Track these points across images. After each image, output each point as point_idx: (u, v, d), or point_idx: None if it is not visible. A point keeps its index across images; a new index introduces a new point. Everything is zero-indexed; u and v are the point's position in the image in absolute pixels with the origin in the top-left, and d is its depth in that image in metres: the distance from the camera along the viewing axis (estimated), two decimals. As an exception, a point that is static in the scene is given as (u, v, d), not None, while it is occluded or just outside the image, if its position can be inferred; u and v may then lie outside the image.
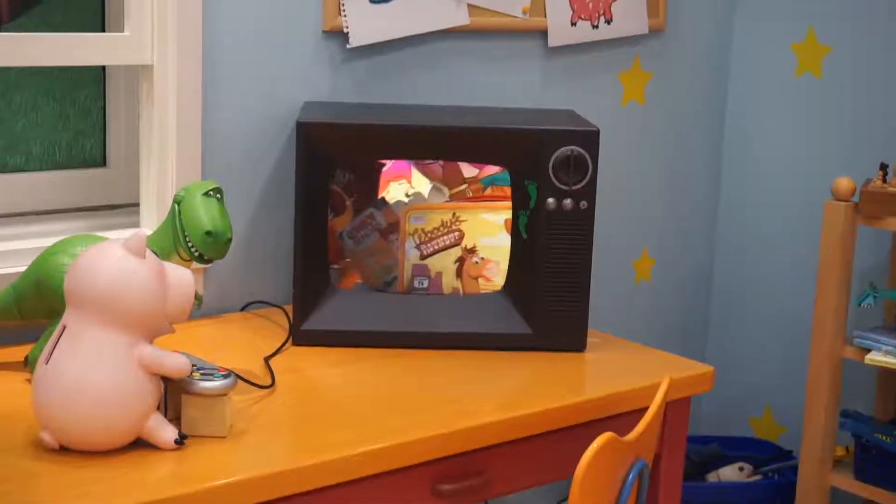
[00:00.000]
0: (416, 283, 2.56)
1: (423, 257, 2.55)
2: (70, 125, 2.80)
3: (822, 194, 3.16)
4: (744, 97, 3.58)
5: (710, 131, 3.61)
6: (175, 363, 1.88)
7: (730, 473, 3.43)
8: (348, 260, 2.55)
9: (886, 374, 3.21)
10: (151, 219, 2.64)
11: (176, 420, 1.98)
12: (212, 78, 2.64)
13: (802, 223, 3.45)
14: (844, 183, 3.00)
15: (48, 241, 2.28)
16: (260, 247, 2.78)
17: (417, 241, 2.56)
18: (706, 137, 3.61)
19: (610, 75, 3.33)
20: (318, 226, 2.48)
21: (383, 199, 2.55)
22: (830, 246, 3.02)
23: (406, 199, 2.54)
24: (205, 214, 2.17)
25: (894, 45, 3.24)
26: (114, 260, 1.86)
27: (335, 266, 2.53)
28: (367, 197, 2.55)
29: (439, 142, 2.49)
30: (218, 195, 2.21)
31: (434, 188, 2.55)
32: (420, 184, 2.55)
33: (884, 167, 3.00)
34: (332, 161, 2.48)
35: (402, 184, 2.54)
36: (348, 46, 2.80)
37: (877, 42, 3.27)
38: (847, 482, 3.12)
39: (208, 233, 2.16)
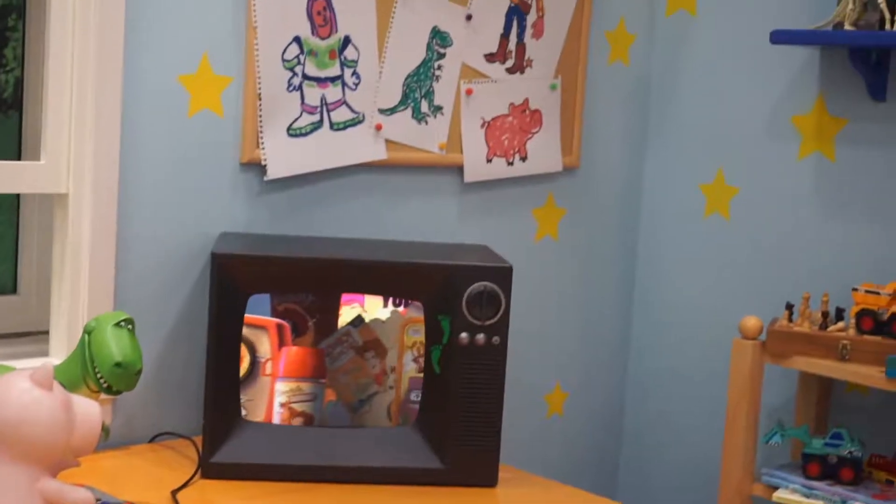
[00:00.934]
0: (412, 396, 2.55)
1: (420, 370, 2.56)
2: (-19, 251, 2.78)
3: (730, 332, 3.22)
4: (655, 235, 3.66)
5: (621, 268, 3.67)
6: (78, 498, 1.85)
7: None
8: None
9: (794, 511, 3.23)
10: (62, 348, 2.61)
11: (77, 556, 1.93)
12: (127, 208, 2.64)
13: (711, 361, 3.50)
14: (751, 322, 3.06)
15: (-47, 370, 2.24)
16: (170, 378, 2.75)
17: (416, 354, 2.56)
18: (618, 274, 3.67)
19: (524, 211, 3.39)
20: (229, 357, 2.47)
21: (360, 317, 2.55)
22: (738, 384, 3.07)
23: (384, 319, 2.55)
24: (115, 345, 2.16)
25: (800, 188, 3.34)
26: (19, 392, 1.83)
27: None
28: (329, 317, 2.55)
29: (353, 276, 2.51)
30: (129, 326, 2.20)
31: (393, 312, 2.56)
32: (373, 307, 2.56)
33: (789, 307, 3.07)
34: (246, 293, 2.49)
35: (355, 307, 2.56)
36: (266, 179, 2.83)
37: (783, 184, 3.37)
38: None
39: (118, 364, 2.15)
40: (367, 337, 2.56)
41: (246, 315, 2.48)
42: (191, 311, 2.76)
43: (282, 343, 2.54)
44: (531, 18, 3.28)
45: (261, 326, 2.54)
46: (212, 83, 2.74)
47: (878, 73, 3.13)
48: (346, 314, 2.56)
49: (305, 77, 2.87)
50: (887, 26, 2.95)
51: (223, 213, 2.80)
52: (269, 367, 2.52)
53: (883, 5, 2.93)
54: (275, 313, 2.54)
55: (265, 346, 2.53)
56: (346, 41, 2.94)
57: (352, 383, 2.56)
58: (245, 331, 2.48)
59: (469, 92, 3.19)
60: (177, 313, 2.75)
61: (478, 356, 2.51)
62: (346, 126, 2.96)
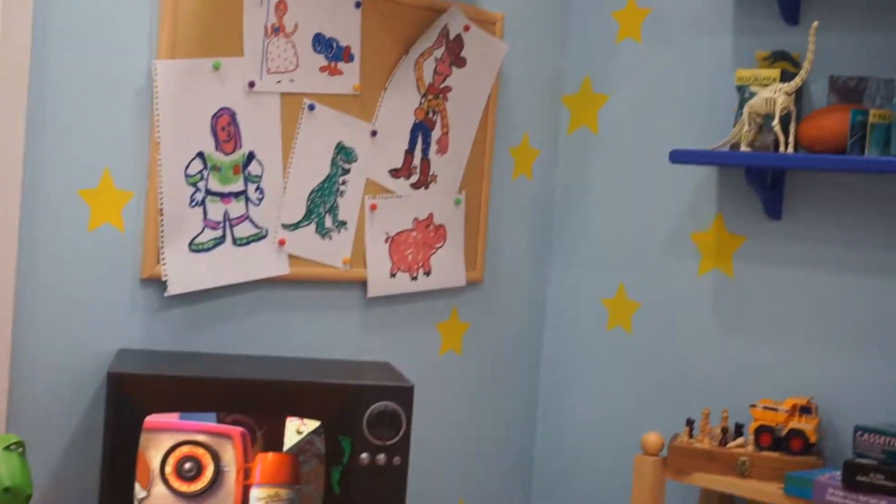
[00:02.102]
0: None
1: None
2: None
3: (632, 448, 3.23)
4: (558, 349, 3.68)
5: (525, 382, 3.68)
6: None
7: None
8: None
9: None
10: (-51, 469, 2.53)
11: None
12: (23, 325, 2.59)
13: (615, 476, 3.51)
14: (652, 438, 3.08)
15: None
16: (66, 499, 2.68)
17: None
18: (522, 388, 3.67)
19: (428, 326, 3.39)
20: (125, 476, 2.41)
21: (321, 426, 2.52)
22: (640, 499, 3.07)
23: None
24: (4, 470, 2.10)
25: (700, 303, 3.38)
26: None
27: None
28: (278, 425, 2.53)
29: (254, 396, 2.48)
30: (20, 449, 2.15)
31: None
32: (312, 423, 2.54)
33: (690, 423, 3.10)
34: (143, 411, 2.44)
35: (294, 420, 2.53)
36: (166, 294, 2.80)
37: (684, 300, 3.42)
38: None
39: (7, 489, 2.09)
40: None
41: (207, 424, 2.46)
42: (87, 431, 2.70)
43: (246, 451, 2.51)
44: (436, 134, 3.32)
45: (224, 435, 2.51)
46: (113, 198, 2.72)
47: (774, 192, 3.21)
48: (292, 423, 2.54)
49: (208, 192, 2.86)
50: (782, 148, 3.02)
51: (122, 330, 2.76)
52: (233, 476, 2.49)
53: (777, 128, 3.01)
54: (223, 423, 2.51)
55: (229, 454, 2.49)
56: (251, 156, 2.94)
57: (315, 492, 2.53)
58: (206, 439, 2.45)
59: (373, 207, 3.20)
60: (72, 433, 2.69)
61: (379, 477, 2.49)
62: (248, 241, 2.95)
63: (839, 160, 2.91)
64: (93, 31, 2.65)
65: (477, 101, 3.41)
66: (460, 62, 3.34)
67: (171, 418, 2.51)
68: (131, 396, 2.41)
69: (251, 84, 2.91)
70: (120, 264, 2.75)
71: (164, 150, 2.77)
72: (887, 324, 3.04)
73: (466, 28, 3.33)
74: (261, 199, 2.97)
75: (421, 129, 3.29)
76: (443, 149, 3.34)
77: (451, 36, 3.31)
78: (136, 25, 2.72)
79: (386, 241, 3.24)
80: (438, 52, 3.28)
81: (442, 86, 3.31)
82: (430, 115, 3.30)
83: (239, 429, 2.50)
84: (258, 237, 2.97)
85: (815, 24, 2.96)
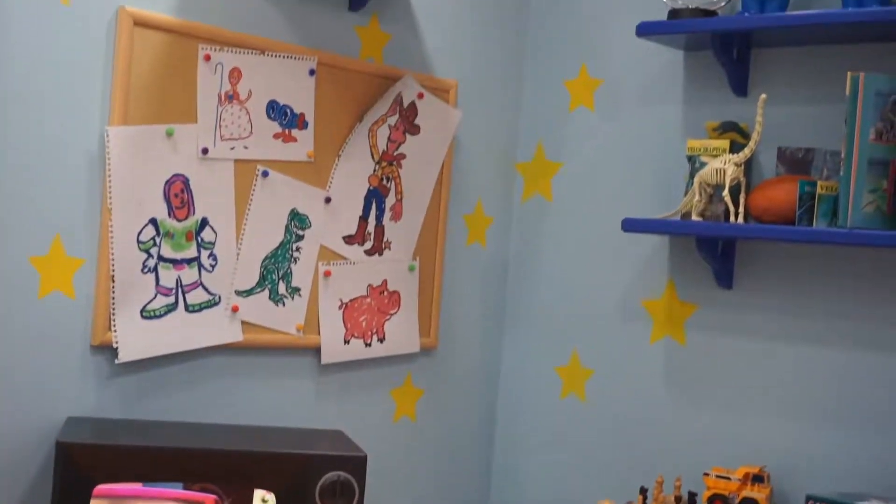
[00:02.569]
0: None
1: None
2: None
3: (586, 516, 3.22)
4: (512, 416, 3.68)
5: (479, 449, 3.67)
6: None
7: None
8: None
9: None
10: None
11: None
12: (-30, 392, 2.56)
13: (568, 543, 3.50)
14: (606, 506, 3.07)
15: None
16: (9, 570, 2.64)
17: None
18: (475, 455, 3.66)
19: (382, 392, 3.38)
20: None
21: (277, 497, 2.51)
22: (594, 569, 3.06)
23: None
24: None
25: (653, 371, 3.40)
26: None
27: None
28: (247, 493, 2.49)
29: (205, 465, 2.46)
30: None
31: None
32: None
33: (643, 491, 3.09)
34: (92, 481, 2.41)
35: (260, 491, 2.51)
36: (117, 361, 2.77)
37: (636, 367, 3.43)
38: None
39: (-50, 563, 2.05)
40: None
41: (178, 491, 2.43)
42: (34, 501, 2.66)
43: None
44: (390, 201, 3.33)
45: (198, 503, 2.48)
46: (64, 264, 2.70)
47: (725, 261, 3.24)
48: (259, 492, 2.52)
49: (161, 259, 2.85)
50: (732, 218, 3.06)
51: (71, 398, 2.73)
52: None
53: (727, 199, 3.05)
54: (191, 490, 2.48)
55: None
56: (204, 223, 2.93)
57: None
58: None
59: (327, 273, 3.20)
60: (19, 503, 2.64)
61: (330, 547, 2.47)
62: (201, 308, 2.93)
63: (788, 231, 2.94)
64: (45, 95, 2.65)
65: (431, 167, 3.42)
66: (414, 129, 3.36)
67: (136, 487, 2.48)
68: (80, 466, 2.38)
69: (205, 150, 2.91)
70: (70, 331, 2.72)
71: (116, 217, 2.76)
72: (838, 393, 3.06)
73: (420, 95, 3.35)
74: (214, 266, 2.96)
75: (375, 196, 3.30)
76: (397, 215, 3.35)
77: (406, 103, 3.33)
78: (89, 91, 2.72)
79: (340, 307, 3.23)
80: (392, 120, 3.30)
81: (396, 153, 3.33)
82: (385, 181, 3.31)
83: (212, 496, 2.48)
84: (211, 304, 2.95)
85: (763, 97, 3.01)
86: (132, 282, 2.79)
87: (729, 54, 3.20)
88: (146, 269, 2.82)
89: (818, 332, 3.10)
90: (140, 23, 2.77)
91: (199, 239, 2.93)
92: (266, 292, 3.06)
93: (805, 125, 3.15)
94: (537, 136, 3.67)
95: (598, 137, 3.54)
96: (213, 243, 2.95)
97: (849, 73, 2.85)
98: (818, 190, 2.94)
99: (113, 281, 2.76)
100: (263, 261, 3.06)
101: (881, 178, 2.85)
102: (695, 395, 3.31)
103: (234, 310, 2.99)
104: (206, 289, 2.94)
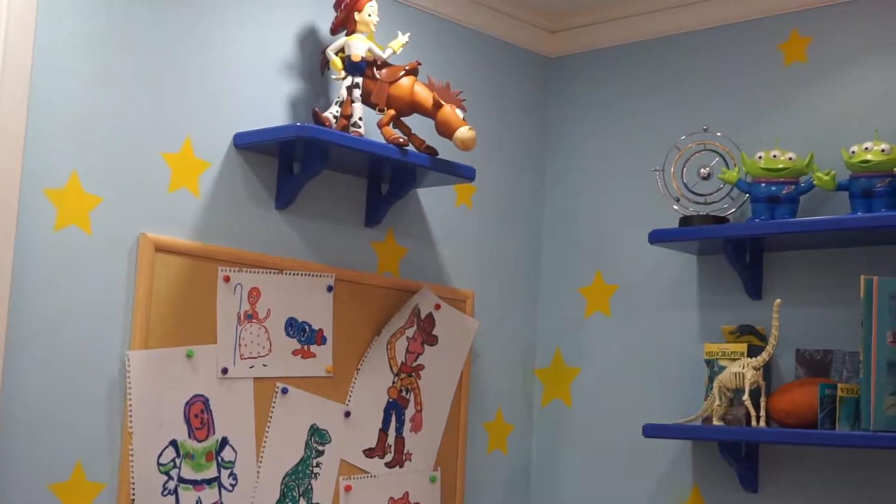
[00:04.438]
0: None
1: None
2: None
3: None
4: None
5: None
6: None
7: None
8: None
9: None
10: None
11: None
12: None
13: None
14: None
15: None
16: None
17: None
18: None
19: None
20: None
21: None
22: None
23: None
24: None
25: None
26: None
27: None
28: None
29: None
30: None
31: None
32: None
33: None
34: None
35: None
36: (136, 588, 2.74)
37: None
38: None
39: None
40: None
41: None
42: None
43: None
44: (410, 412, 3.33)
45: None
46: (84, 490, 2.69)
47: (749, 465, 3.20)
48: None
49: (181, 480, 2.84)
50: (753, 422, 3.04)
51: None
52: None
53: (748, 403, 3.04)
54: None
55: None
56: (224, 442, 2.93)
57: None
58: None
59: (348, 488, 3.17)
60: None
61: None
62: (221, 529, 2.91)
63: (811, 435, 2.93)
64: (67, 320, 2.68)
65: (450, 377, 3.43)
66: (432, 340, 3.38)
67: None
68: None
69: (224, 370, 2.93)
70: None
71: (137, 440, 2.76)
72: None
73: (437, 307, 3.38)
74: (234, 485, 2.94)
75: (394, 408, 3.30)
76: (417, 426, 3.34)
77: (423, 315, 3.36)
78: (111, 316, 2.75)
79: (361, 524, 3.20)
80: (410, 332, 3.33)
81: (414, 364, 3.34)
82: (404, 393, 3.32)
83: None
84: (230, 525, 2.93)
85: (778, 301, 3.03)
86: (152, 505, 2.78)
87: (742, 259, 3.23)
88: (166, 492, 2.81)
89: (848, 537, 3.05)
90: (161, 249, 2.83)
91: (220, 459, 2.92)
92: (287, 510, 3.04)
93: (822, 327, 3.16)
94: (555, 343, 3.68)
95: (616, 342, 3.55)
96: (234, 462, 2.94)
97: (862, 277, 2.88)
98: (839, 392, 2.94)
99: (133, 505, 2.75)
100: (284, 478, 3.04)
101: (901, 380, 2.84)
102: None
103: (255, 529, 2.97)
104: (226, 509, 2.92)
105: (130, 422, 2.75)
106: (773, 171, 3.11)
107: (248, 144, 3.00)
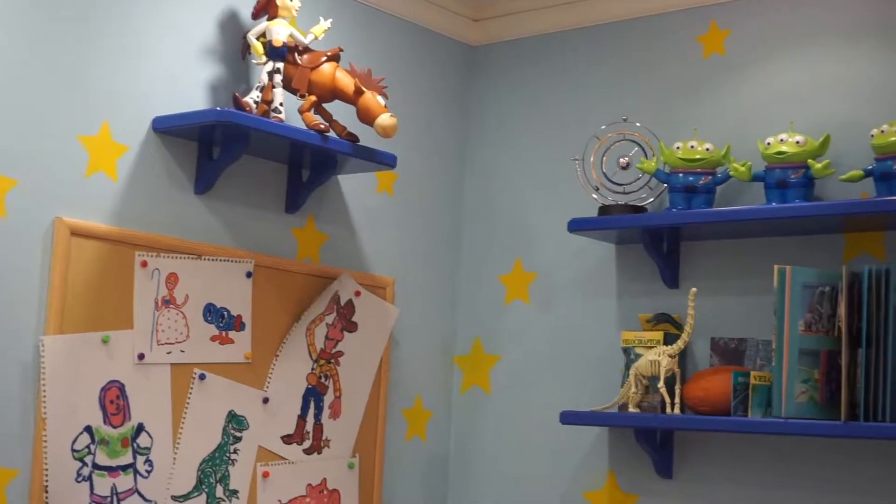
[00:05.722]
0: None
1: None
2: None
3: None
4: None
5: None
6: None
7: None
8: None
9: None
10: None
11: None
12: None
13: None
14: None
15: None
16: None
17: None
18: None
19: None
20: None
21: None
22: None
23: None
24: None
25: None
26: None
27: None
28: None
29: None
30: None
31: None
32: None
33: None
34: None
35: None
36: (49, 575, 2.71)
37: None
38: None
39: None
40: None
41: None
42: None
43: None
44: (329, 399, 3.32)
45: None
46: (-4, 477, 2.66)
47: (664, 452, 3.25)
48: None
49: (96, 466, 2.81)
50: (668, 409, 3.08)
51: None
52: None
53: (663, 390, 3.07)
54: None
55: None
56: (140, 428, 2.91)
57: None
58: None
59: (266, 475, 3.16)
60: None
61: None
62: (137, 522, 2.88)
63: (724, 421, 2.98)
64: (-20, 306, 2.65)
65: (369, 364, 3.43)
66: (352, 327, 3.38)
67: None
68: None
69: (141, 356, 2.91)
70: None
71: (51, 426, 2.73)
72: (781, 583, 3.05)
73: (357, 293, 3.38)
74: (150, 472, 2.92)
75: (313, 395, 3.29)
76: (335, 413, 3.34)
77: (343, 302, 3.35)
78: (24, 301, 2.72)
79: (279, 508, 3.20)
80: (330, 318, 3.32)
81: (334, 350, 3.34)
82: (323, 379, 3.31)
83: None
84: (146, 512, 2.91)
85: (694, 290, 3.07)
86: (65, 492, 2.74)
87: (659, 248, 3.27)
88: (80, 478, 2.78)
89: (759, 522, 3.10)
90: (77, 233, 2.79)
91: (135, 445, 2.90)
92: (203, 497, 3.02)
93: (736, 316, 3.21)
94: (474, 330, 3.70)
95: (535, 330, 3.58)
96: (150, 449, 2.92)
97: (776, 267, 2.92)
98: (752, 380, 2.99)
99: (46, 492, 2.71)
100: (200, 464, 3.02)
101: (813, 369, 2.89)
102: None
103: (171, 516, 2.95)
104: (141, 495, 2.90)
105: (44, 407, 2.72)
106: (690, 162, 3.15)
107: (167, 129, 2.97)
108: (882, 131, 2.90)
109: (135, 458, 2.89)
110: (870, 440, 2.94)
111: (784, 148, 3.01)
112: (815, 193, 3.05)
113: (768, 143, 3.04)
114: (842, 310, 2.85)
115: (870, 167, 2.94)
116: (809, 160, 3.00)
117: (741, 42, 3.31)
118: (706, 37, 3.36)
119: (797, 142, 3.01)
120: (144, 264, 2.92)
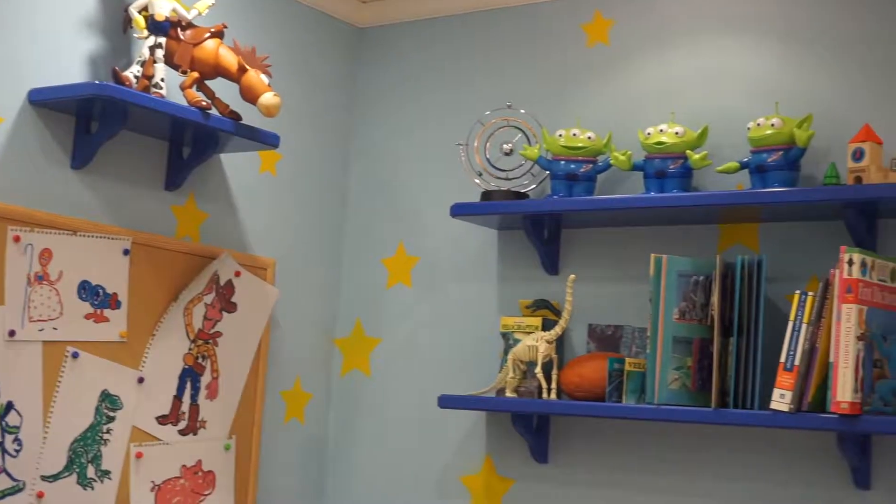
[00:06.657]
0: None
1: None
2: None
3: None
4: None
5: None
6: None
7: None
8: None
9: None
10: None
11: None
12: None
13: None
14: None
15: None
16: None
17: None
18: None
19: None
20: None
21: None
22: None
23: None
24: None
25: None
26: None
27: None
28: None
29: None
30: None
31: None
32: None
33: None
34: None
35: None
36: (-90, 556, 2.65)
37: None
38: None
39: None
40: None
41: None
42: None
43: None
44: (205, 380, 3.29)
45: None
46: None
47: (540, 436, 3.28)
48: None
49: (-38, 445, 2.75)
50: (544, 395, 3.11)
51: None
52: None
53: (540, 375, 3.10)
54: None
55: None
56: (9, 406, 2.84)
57: None
58: None
59: (139, 455, 3.12)
60: None
61: None
62: (4, 495, 2.82)
63: (598, 407, 3.02)
64: None
65: (248, 345, 3.40)
66: (231, 307, 3.35)
67: None
68: None
69: (11, 333, 2.84)
70: None
71: (-85, 403, 2.66)
72: (651, 566, 3.10)
73: (237, 274, 3.35)
74: (18, 451, 2.86)
75: (190, 375, 3.25)
76: (212, 394, 3.31)
77: (222, 282, 3.32)
78: None
79: (152, 489, 3.15)
80: (209, 298, 3.29)
81: (212, 331, 3.31)
82: (200, 360, 3.28)
83: None
84: (15, 490, 2.85)
85: (572, 276, 3.10)
86: (-71, 470, 2.68)
87: (539, 235, 3.30)
88: (-55, 460, 2.72)
89: (631, 506, 3.15)
90: (-55, 205, 2.73)
91: (4, 423, 2.83)
92: (74, 477, 2.97)
93: (614, 303, 3.25)
94: (355, 313, 3.69)
95: (416, 314, 3.58)
96: (19, 427, 2.86)
97: (652, 256, 2.97)
98: (626, 367, 3.03)
99: None
100: (72, 444, 2.97)
101: (686, 356, 2.95)
102: (513, 572, 3.31)
103: (40, 496, 2.89)
104: (9, 475, 2.84)
105: None
106: (572, 150, 3.18)
107: (43, 101, 2.91)
108: (758, 124, 2.95)
109: (3, 436, 2.83)
110: (739, 427, 3.00)
111: (663, 138, 3.06)
112: (692, 184, 3.10)
113: (648, 134, 3.08)
114: (715, 299, 2.91)
115: (745, 159, 2.99)
116: (688, 151, 3.04)
117: (625, 32, 3.35)
118: (590, 26, 3.39)
119: (676, 132, 3.05)
120: (17, 239, 2.86)
